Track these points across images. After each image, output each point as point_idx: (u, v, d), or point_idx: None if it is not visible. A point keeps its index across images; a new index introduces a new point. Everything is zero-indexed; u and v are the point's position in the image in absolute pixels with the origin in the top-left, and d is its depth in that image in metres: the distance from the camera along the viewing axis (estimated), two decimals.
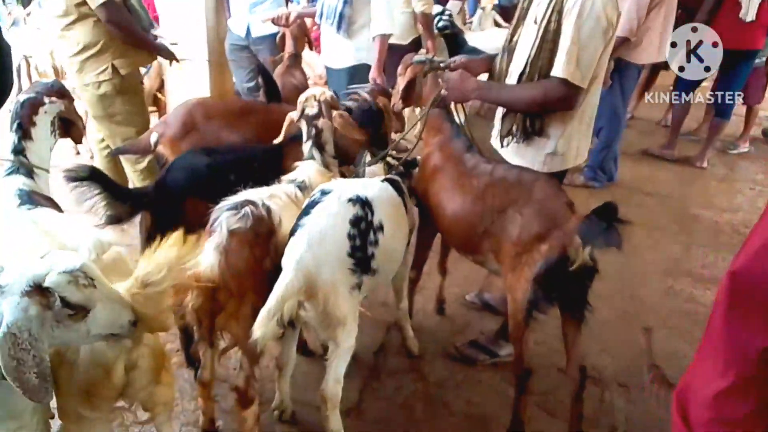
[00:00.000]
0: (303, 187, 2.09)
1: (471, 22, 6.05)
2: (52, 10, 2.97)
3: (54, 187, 2.08)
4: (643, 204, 4.40)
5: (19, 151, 1.98)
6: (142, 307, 1.30)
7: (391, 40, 3.59)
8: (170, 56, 3.26)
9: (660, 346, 2.70)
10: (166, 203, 2.10)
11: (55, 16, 2.97)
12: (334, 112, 2.26)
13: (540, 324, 1.92)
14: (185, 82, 3.82)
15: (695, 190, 4.79)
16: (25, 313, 1.11)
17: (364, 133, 2.35)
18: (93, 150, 3.56)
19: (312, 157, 2.24)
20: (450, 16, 4.63)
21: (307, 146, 2.26)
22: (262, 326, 1.54)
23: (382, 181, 2.15)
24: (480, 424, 2.22)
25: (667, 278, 3.34)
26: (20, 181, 1.91)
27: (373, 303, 2.78)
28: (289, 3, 4.84)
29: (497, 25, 5.70)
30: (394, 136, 2.94)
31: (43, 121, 2.04)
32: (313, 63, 5.06)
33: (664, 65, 4.77)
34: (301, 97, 2.32)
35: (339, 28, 3.47)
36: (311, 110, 2.26)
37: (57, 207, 1.94)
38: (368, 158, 2.40)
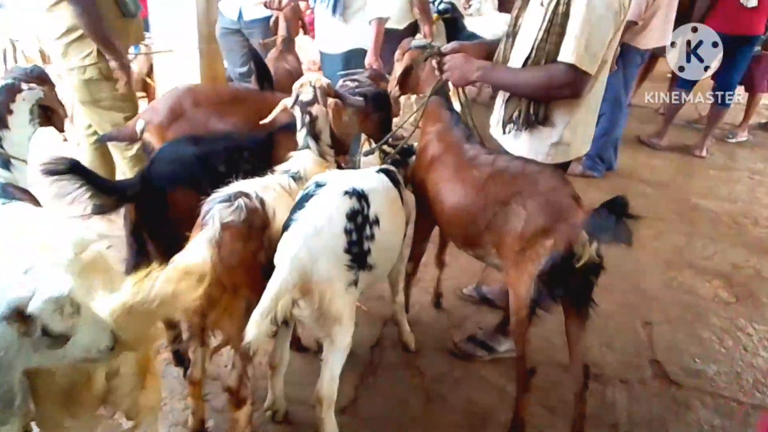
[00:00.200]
0: (298, 178, 2.01)
1: (470, 6, 5.96)
2: None
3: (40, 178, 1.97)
4: (643, 194, 4.36)
5: None
6: (123, 331, 1.21)
7: (387, 25, 3.53)
8: (125, 71, 2.93)
9: (661, 339, 2.68)
10: (151, 195, 2.00)
11: None
12: (330, 100, 2.17)
13: (540, 319, 1.85)
14: (175, 66, 3.72)
15: (695, 180, 4.77)
16: (0, 338, 1.02)
17: (376, 119, 2.25)
18: (79, 137, 3.45)
19: (307, 146, 2.15)
20: None
21: (301, 135, 2.17)
22: (255, 327, 1.47)
23: (378, 171, 2.07)
24: (478, 420, 2.18)
25: (669, 270, 3.30)
26: None
27: (369, 297, 2.72)
28: None
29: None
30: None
31: (22, 108, 1.94)
32: (306, 48, 4.97)
33: (662, 51, 4.73)
34: (296, 83, 2.23)
35: (334, 11, 3.40)
36: (306, 96, 2.17)
37: (35, 200, 1.83)
38: (365, 147, 2.32)
